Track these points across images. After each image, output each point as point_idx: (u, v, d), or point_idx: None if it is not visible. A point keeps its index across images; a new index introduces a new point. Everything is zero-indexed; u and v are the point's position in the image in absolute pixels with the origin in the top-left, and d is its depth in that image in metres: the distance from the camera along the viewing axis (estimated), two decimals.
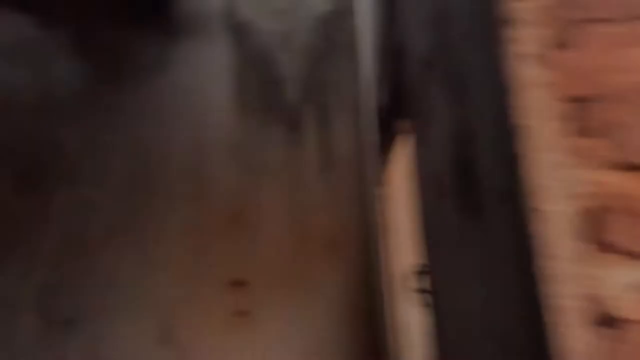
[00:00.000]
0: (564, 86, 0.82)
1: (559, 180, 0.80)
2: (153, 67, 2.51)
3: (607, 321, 0.78)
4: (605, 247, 0.81)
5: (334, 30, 2.74)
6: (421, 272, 1.44)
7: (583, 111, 0.82)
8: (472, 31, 0.93)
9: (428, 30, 1.26)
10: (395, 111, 1.89)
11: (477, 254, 0.94)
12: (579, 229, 0.82)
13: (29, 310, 2.18)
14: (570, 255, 0.80)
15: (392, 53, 1.79)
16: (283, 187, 2.40)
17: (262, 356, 2.18)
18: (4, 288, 2.19)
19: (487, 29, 0.84)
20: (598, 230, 0.82)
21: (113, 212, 2.30)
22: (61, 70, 2.47)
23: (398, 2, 1.93)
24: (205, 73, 2.54)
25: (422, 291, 1.45)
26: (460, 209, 1.02)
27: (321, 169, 2.44)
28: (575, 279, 0.79)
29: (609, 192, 0.81)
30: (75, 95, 2.44)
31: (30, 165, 2.34)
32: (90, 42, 2.52)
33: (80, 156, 2.35)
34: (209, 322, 2.23)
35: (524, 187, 0.80)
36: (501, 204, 0.83)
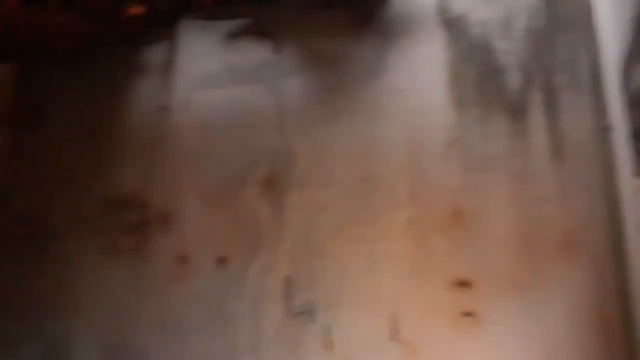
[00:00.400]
0: None
1: None
2: (371, 72, 2.74)
3: None
4: None
5: (562, 6, 2.58)
6: None
7: None
8: None
9: None
10: None
11: None
12: None
13: (273, 302, 2.60)
14: None
15: None
16: (508, 180, 2.36)
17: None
18: (253, 282, 2.66)
19: None
20: None
21: (340, 212, 2.59)
22: (293, 86, 2.87)
23: None
24: (421, 72, 2.66)
25: None
26: None
27: (551, 158, 2.32)
28: None
29: None
30: (304, 107, 2.82)
31: (270, 174, 2.78)
32: (316, 57, 2.88)
33: (309, 162, 2.71)
34: (434, 321, 2.32)
35: None
36: None
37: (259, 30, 3.02)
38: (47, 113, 3.43)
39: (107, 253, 2.99)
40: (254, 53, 3.00)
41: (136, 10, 3.09)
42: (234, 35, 3.06)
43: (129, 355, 2.81)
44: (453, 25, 2.68)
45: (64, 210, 3.18)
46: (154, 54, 3.24)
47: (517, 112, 2.47)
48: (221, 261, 2.74)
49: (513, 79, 2.53)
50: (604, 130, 2.34)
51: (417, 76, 2.66)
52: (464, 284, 2.32)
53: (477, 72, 2.59)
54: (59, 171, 3.28)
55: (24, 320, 3.15)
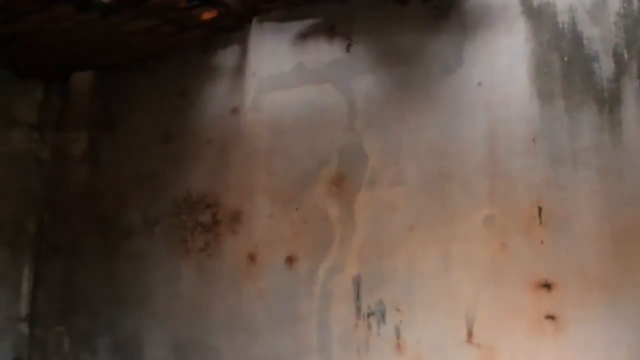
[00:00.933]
0: None
1: None
2: (447, 66, 2.76)
3: None
4: None
5: None
6: None
7: None
8: None
9: None
10: None
11: None
12: None
13: (342, 302, 2.70)
14: None
15: None
16: (597, 176, 2.30)
17: None
18: (322, 282, 2.77)
19: None
20: None
21: (412, 211, 2.64)
22: (364, 84, 2.95)
23: None
24: (501, 64, 2.66)
25: None
26: None
27: None
28: None
29: None
30: (376, 105, 2.90)
31: (340, 172, 2.89)
32: (389, 54, 2.95)
33: (380, 160, 2.78)
34: (514, 325, 2.31)
35: None
36: None
37: (329, 30, 3.12)
38: (124, 117, 3.75)
39: (178, 252, 3.23)
40: (324, 52, 3.11)
41: (209, 14, 3.31)
42: (304, 36, 3.20)
43: (198, 352, 3.00)
44: (537, 13, 2.66)
45: (138, 210, 3.46)
46: (226, 57, 3.45)
47: (608, 102, 2.41)
48: (290, 260, 2.87)
49: (604, 68, 2.47)
50: None
51: (498, 68, 2.66)
52: (546, 285, 2.30)
53: (564, 61, 2.55)
54: (134, 172, 3.57)
55: (97, 315, 3.45)
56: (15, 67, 3.90)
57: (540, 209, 2.39)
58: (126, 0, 3.02)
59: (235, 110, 3.30)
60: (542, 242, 2.35)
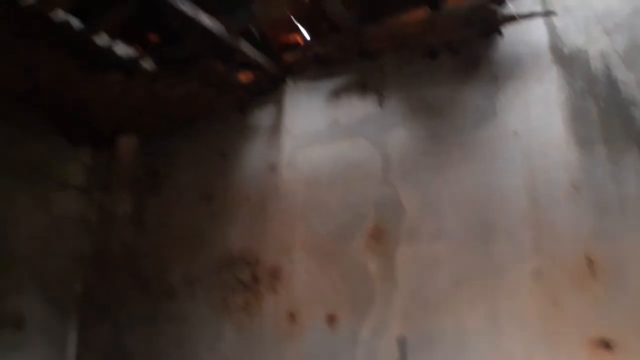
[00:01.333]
0: None
1: None
2: (481, 116, 2.66)
3: None
4: None
5: None
6: None
7: None
8: None
9: None
10: None
11: None
12: None
13: None
14: None
15: None
16: None
17: None
18: (365, 342, 2.58)
19: None
20: None
21: (456, 265, 2.47)
22: (398, 138, 2.87)
23: None
24: (536, 112, 2.54)
25: None
26: None
27: None
28: None
29: None
30: (411, 157, 2.79)
31: (378, 226, 2.75)
32: (421, 107, 2.86)
33: (419, 212, 2.64)
34: None
35: None
36: None
37: (362, 86, 3.08)
38: (166, 178, 3.72)
39: (219, 312, 3.09)
40: (357, 108, 3.06)
41: (246, 77, 3.31)
42: (337, 93, 3.16)
43: None
44: (569, 60, 2.55)
45: (179, 270, 3.37)
46: (262, 116, 3.42)
47: None
48: (331, 319, 2.70)
49: None
50: None
51: (533, 117, 2.54)
52: (605, 344, 2.08)
53: (600, 107, 2.42)
54: (176, 232, 3.50)
55: None
56: (68, 134, 3.95)
57: (590, 261, 2.19)
58: (169, 67, 3.03)
59: (272, 167, 3.23)
60: (596, 297, 2.14)
